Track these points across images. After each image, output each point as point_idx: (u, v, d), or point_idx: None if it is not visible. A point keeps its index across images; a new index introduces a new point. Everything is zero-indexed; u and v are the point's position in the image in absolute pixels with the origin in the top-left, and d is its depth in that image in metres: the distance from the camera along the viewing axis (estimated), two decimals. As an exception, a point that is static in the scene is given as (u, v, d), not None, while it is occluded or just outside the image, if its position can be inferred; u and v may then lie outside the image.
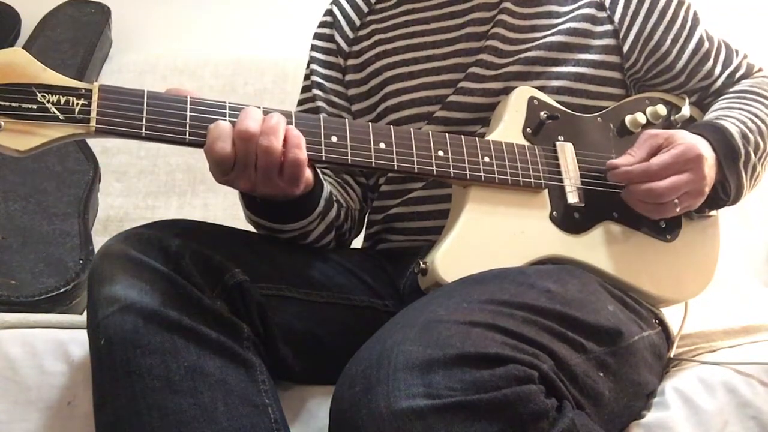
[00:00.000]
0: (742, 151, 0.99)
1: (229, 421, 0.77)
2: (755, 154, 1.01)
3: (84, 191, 1.69)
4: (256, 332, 0.86)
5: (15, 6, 2.11)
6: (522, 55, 1.08)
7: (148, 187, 1.82)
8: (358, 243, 1.21)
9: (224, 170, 0.83)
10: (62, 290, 1.44)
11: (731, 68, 1.14)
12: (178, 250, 0.84)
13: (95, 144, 1.84)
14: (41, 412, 0.92)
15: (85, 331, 0.84)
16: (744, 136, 1.00)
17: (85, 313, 0.86)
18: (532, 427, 0.66)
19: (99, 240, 1.57)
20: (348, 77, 1.18)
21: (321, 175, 0.97)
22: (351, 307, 0.98)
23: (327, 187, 0.98)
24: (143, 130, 0.80)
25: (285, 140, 0.84)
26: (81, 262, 1.51)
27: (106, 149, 1.87)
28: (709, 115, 1.08)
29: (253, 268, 0.88)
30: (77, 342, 0.96)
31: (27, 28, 2.07)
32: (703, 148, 0.96)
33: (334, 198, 1.03)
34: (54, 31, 2.03)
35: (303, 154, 0.84)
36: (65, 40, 1.99)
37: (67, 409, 0.93)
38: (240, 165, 0.83)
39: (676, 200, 0.94)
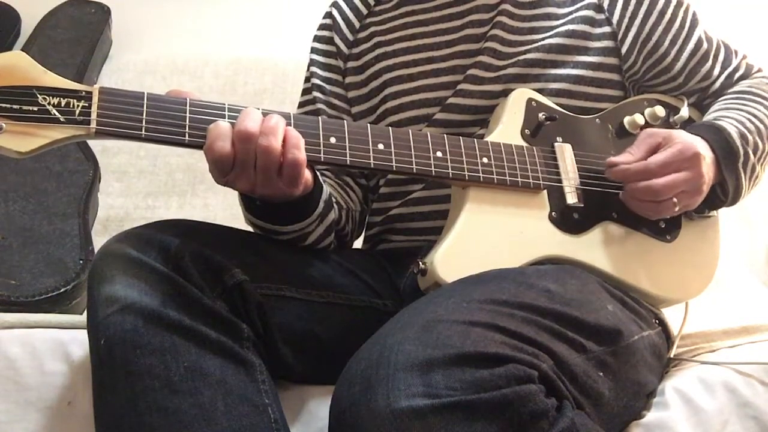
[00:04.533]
0: (741, 152, 0.99)
1: (228, 421, 0.77)
2: (754, 155, 1.01)
3: (84, 191, 1.69)
4: (256, 332, 0.86)
5: (15, 6, 2.11)
6: (521, 57, 1.08)
7: (148, 187, 1.82)
8: (358, 244, 1.21)
9: (223, 170, 0.83)
10: (62, 290, 1.44)
11: (730, 69, 1.14)
12: (178, 250, 0.84)
13: (95, 144, 1.84)
14: (41, 412, 0.92)
15: (85, 331, 0.84)
16: (742, 137, 1.00)
17: (85, 313, 0.86)
18: (532, 427, 0.66)
19: (99, 240, 1.57)
20: (348, 79, 1.18)
21: (321, 178, 0.97)
22: (351, 307, 0.98)
23: (326, 189, 0.98)
24: (143, 132, 0.81)
25: (284, 141, 0.84)
26: (81, 262, 1.51)
27: (106, 149, 1.87)
28: (708, 116, 1.08)
29: (253, 268, 0.88)
30: (77, 342, 0.96)
31: (27, 28, 2.07)
32: (701, 147, 0.96)
33: (334, 200, 1.03)
34: (54, 31, 2.03)
35: (302, 155, 0.85)
36: (65, 40, 1.99)
37: (67, 409, 0.93)
38: (239, 165, 0.83)
39: (675, 199, 0.94)
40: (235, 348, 0.82)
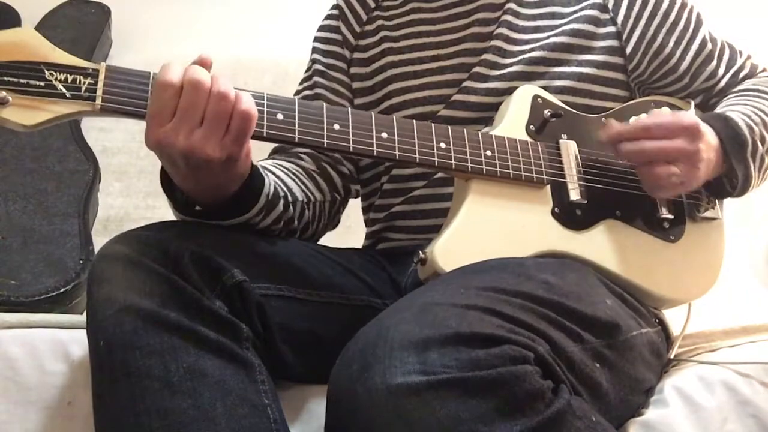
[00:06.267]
0: (749, 140, 0.99)
1: (228, 421, 0.77)
2: (762, 146, 1.01)
3: (84, 191, 1.69)
4: (255, 332, 0.86)
5: (15, 6, 2.11)
6: (525, 56, 1.09)
7: (148, 187, 1.82)
8: (359, 242, 1.21)
9: (163, 118, 0.80)
10: (62, 290, 1.44)
11: (735, 68, 1.15)
12: (177, 251, 0.83)
13: (95, 144, 1.84)
14: (41, 412, 0.92)
15: (85, 331, 0.84)
16: (749, 127, 1.00)
17: (85, 313, 0.86)
18: (528, 407, 0.66)
19: (99, 240, 1.57)
20: (353, 70, 1.19)
21: (267, 171, 0.96)
22: (350, 306, 0.98)
23: (269, 184, 0.95)
24: (147, 110, 0.81)
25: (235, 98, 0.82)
26: (81, 262, 1.51)
27: (106, 149, 1.87)
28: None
29: (253, 268, 0.88)
30: (77, 342, 0.96)
31: (27, 28, 2.07)
32: (706, 129, 0.95)
33: (282, 193, 1.00)
34: (54, 31, 2.03)
35: (253, 109, 0.82)
36: (65, 40, 1.99)
37: (67, 409, 0.93)
38: (184, 108, 0.80)
39: (674, 168, 0.93)
40: (234, 348, 0.82)
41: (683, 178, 0.94)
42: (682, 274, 1.03)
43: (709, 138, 0.95)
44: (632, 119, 1.07)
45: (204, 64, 0.84)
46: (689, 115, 0.95)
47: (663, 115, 0.96)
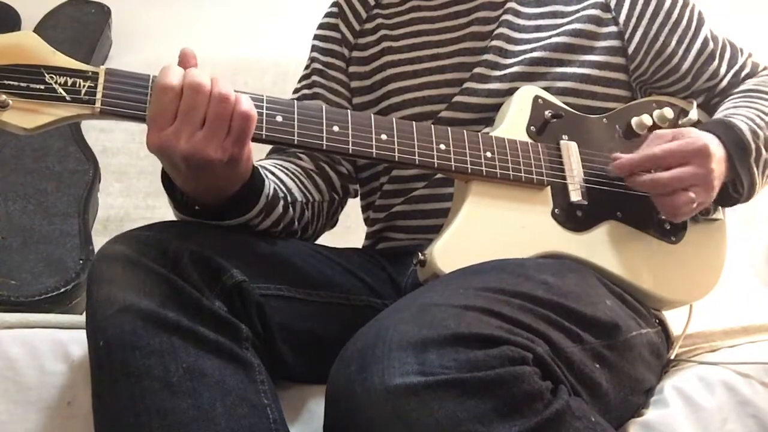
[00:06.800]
0: (753, 147, 0.99)
1: (228, 422, 0.77)
2: (766, 150, 1.01)
3: (84, 191, 1.70)
4: (255, 332, 0.86)
5: (15, 6, 2.12)
6: (527, 56, 1.08)
7: (148, 187, 1.83)
8: (359, 242, 1.21)
9: (164, 121, 0.80)
10: (62, 290, 1.44)
11: (737, 67, 1.15)
12: (176, 251, 0.83)
13: (95, 144, 1.84)
14: (41, 412, 0.92)
15: (84, 331, 0.84)
16: (753, 133, 1.00)
17: (84, 313, 0.86)
18: (526, 407, 0.66)
19: (99, 240, 1.57)
20: (352, 69, 1.19)
21: (267, 172, 0.97)
22: (350, 306, 0.98)
23: (269, 185, 0.95)
24: (146, 113, 0.81)
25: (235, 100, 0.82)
26: (81, 262, 1.51)
27: (106, 149, 1.87)
28: (717, 115, 1.08)
29: (252, 268, 0.88)
30: (77, 342, 0.96)
31: (27, 28, 2.07)
32: (711, 142, 0.95)
33: (282, 194, 1.00)
34: (54, 31, 2.03)
35: (253, 111, 0.82)
36: (65, 40, 1.99)
37: (66, 409, 0.93)
38: (184, 111, 0.79)
39: (691, 193, 0.93)
40: (234, 349, 0.82)
41: (700, 200, 0.94)
42: (684, 276, 1.03)
43: (717, 151, 0.95)
44: (632, 120, 1.07)
45: (188, 57, 0.84)
46: (695, 137, 0.95)
47: (666, 138, 0.96)
